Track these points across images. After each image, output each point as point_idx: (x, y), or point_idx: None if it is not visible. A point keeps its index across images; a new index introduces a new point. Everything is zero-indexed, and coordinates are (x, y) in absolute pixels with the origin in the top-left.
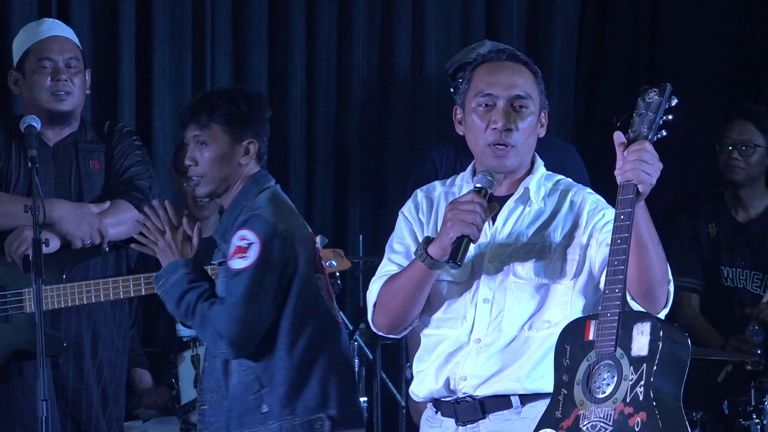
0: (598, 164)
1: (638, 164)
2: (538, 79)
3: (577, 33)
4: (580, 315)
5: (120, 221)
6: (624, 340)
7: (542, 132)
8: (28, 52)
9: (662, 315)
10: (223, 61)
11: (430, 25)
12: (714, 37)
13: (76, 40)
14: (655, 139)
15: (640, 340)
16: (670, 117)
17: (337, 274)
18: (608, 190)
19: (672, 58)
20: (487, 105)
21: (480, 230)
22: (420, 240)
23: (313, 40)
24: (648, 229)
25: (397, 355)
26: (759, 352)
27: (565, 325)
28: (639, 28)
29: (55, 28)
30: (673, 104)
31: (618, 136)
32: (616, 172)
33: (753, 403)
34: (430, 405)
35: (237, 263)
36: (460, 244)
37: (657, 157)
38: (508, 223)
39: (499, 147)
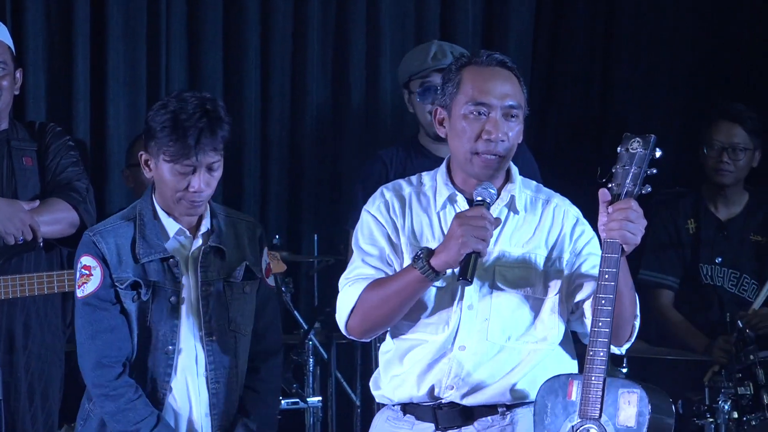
0: (554, 163)
1: (624, 224)
2: (521, 85)
3: (532, 32)
4: (565, 332)
5: (55, 220)
6: (609, 406)
7: (520, 138)
8: None
9: (625, 347)
10: (177, 61)
11: (384, 23)
12: (670, 36)
13: (7, 39)
14: (640, 193)
15: (627, 411)
16: (654, 170)
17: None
18: (562, 188)
19: (628, 58)
20: (480, 113)
21: (488, 245)
22: (395, 242)
23: (267, 40)
24: (625, 277)
25: (351, 355)
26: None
27: (544, 381)
28: (594, 27)
29: None
30: (658, 156)
31: (603, 195)
32: (600, 228)
33: (707, 403)
34: (391, 406)
35: (272, 280)
36: (469, 260)
37: (642, 214)
38: (495, 230)
39: (489, 156)
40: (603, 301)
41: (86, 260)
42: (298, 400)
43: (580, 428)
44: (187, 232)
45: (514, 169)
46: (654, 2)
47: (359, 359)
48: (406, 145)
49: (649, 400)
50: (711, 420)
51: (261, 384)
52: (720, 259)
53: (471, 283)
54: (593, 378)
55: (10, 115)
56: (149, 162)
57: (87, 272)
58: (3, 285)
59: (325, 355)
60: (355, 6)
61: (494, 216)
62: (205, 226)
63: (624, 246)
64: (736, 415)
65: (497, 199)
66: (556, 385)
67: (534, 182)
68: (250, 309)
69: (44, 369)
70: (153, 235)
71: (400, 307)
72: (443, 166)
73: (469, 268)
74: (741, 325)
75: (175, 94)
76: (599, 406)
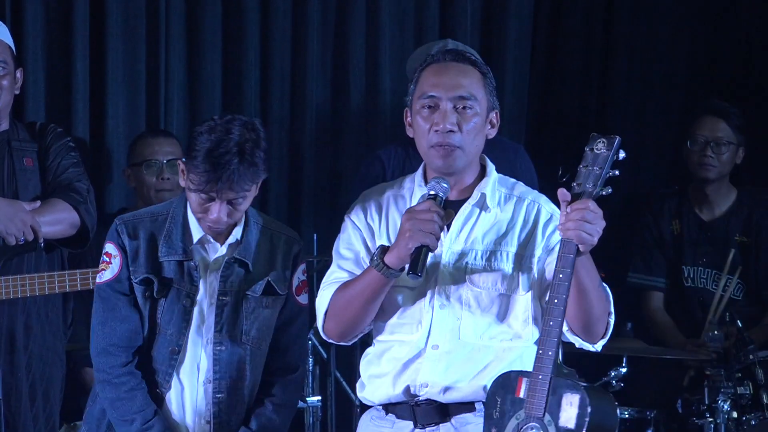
0: (552, 162)
1: (580, 224)
2: (486, 80)
3: (531, 31)
4: (538, 330)
5: (57, 220)
6: (553, 406)
7: (492, 133)
8: None
9: (600, 344)
10: (176, 61)
11: (384, 23)
12: (667, 36)
13: (7, 39)
14: (600, 195)
15: (569, 411)
16: (616, 172)
17: None
18: (559, 187)
19: (626, 57)
20: (430, 107)
21: (438, 239)
22: (371, 247)
23: (267, 40)
24: (589, 275)
25: (351, 354)
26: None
27: (497, 376)
28: (593, 26)
29: None
30: (621, 158)
31: (562, 194)
32: (559, 227)
33: (706, 402)
34: (376, 407)
35: (304, 298)
36: (419, 254)
37: (600, 215)
38: (465, 228)
39: (443, 147)
40: (555, 301)
41: (109, 247)
42: None
43: (525, 426)
44: (211, 239)
45: (491, 167)
46: (652, 3)
47: (359, 359)
48: (404, 144)
49: (590, 402)
50: (710, 419)
51: (272, 398)
52: (703, 260)
53: (421, 277)
54: (540, 377)
55: (11, 115)
56: (184, 173)
57: (107, 259)
58: (4, 285)
59: (325, 355)
60: (354, 6)
61: (454, 212)
62: (234, 237)
63: (580, 246)
64: (735, 414)
65: (469, 197)
66: (507, 381)
67: (512, 180)
68: (269, 324)
69: (45, 370)
70: (177, 237)
71: (366, 307)
72: (420, 168)
73: (419, 262)
74: (740, 325)
75: (228, 118)
76: (543, 405)
